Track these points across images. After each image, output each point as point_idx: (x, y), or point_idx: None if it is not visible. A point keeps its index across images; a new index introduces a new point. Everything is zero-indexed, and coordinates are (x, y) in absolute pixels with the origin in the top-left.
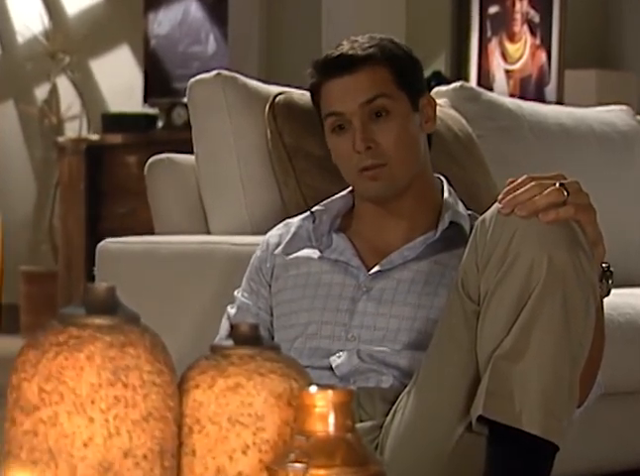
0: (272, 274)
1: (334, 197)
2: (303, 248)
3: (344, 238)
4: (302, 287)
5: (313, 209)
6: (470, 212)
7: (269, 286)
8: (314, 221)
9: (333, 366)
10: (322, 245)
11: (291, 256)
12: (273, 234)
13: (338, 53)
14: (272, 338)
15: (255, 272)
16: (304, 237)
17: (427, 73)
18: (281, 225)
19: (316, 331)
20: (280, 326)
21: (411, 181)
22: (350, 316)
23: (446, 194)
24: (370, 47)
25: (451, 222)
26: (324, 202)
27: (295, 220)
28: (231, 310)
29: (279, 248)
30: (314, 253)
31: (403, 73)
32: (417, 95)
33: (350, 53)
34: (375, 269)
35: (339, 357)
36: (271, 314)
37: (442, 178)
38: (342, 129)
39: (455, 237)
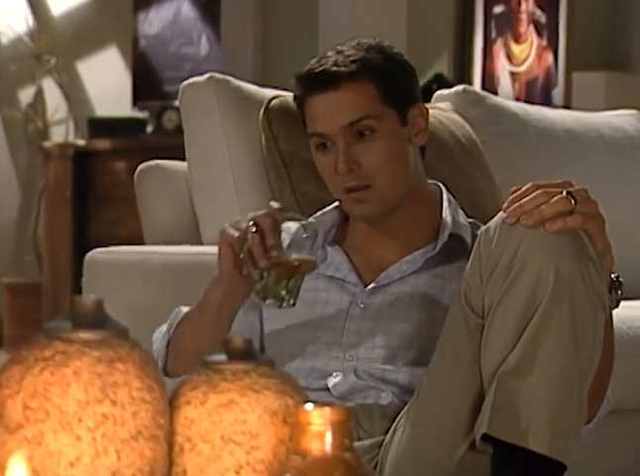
0: None
1: (326, 209)
2: None
3: (339, 251)
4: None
5: (305, 223)
6: (471, 220)
7: None
8: (307, 236)
9: (329, 386)
10: (317, 260)
11: None
12: None
13: (321, 68)
14: (263, 347)
15: None
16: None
17: (429, 76)
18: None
19: (312, 351)
20: (272, 343)
21: (402, 199)
22: (347, 336)
23: (445, 204)
24: (354, 61)
25: (451, 234)
26: (316, 215)
27: (290, 229)
28: None
29: None
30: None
31: (390, 88)
32: (407, 108)
33: (332, 69)
34: (373, 284)
35: (335, 377)
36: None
37: (440, 185)
38: (325, 148)
39: (455, 249)
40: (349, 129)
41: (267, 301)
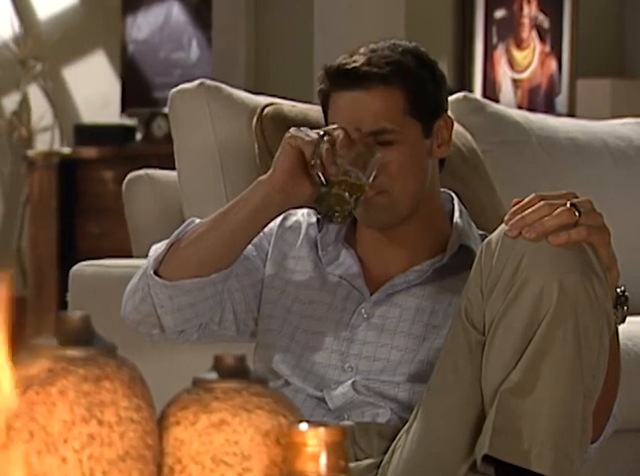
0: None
1: None
2: (306, 258)
3: (353, 255)
4: (299, 304)
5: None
6: (482, 233)
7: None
8: (320, 230)
9: (326, 399)
10: (327, 255)
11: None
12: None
13: (352, 65)
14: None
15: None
16: (310, 244)
17: None
18: (296, 218)
19: (311, 355)
20: (266, 344)
21: (413, 210)
22: (348, 345)
23: (456, 215)
24: (388, 63)
25: (460, 245)
26: None
27: (300, 224)
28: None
29: (284, 251)
30: (317, 268)
31: (419, 99)
32: (433, 119)
33: (364, 69)
34: (378, 293)
35: (334, 390)
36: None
37: (452, 194)
38: None
39: (465, 261)
40: (369, 136)
41: (320, 209)
